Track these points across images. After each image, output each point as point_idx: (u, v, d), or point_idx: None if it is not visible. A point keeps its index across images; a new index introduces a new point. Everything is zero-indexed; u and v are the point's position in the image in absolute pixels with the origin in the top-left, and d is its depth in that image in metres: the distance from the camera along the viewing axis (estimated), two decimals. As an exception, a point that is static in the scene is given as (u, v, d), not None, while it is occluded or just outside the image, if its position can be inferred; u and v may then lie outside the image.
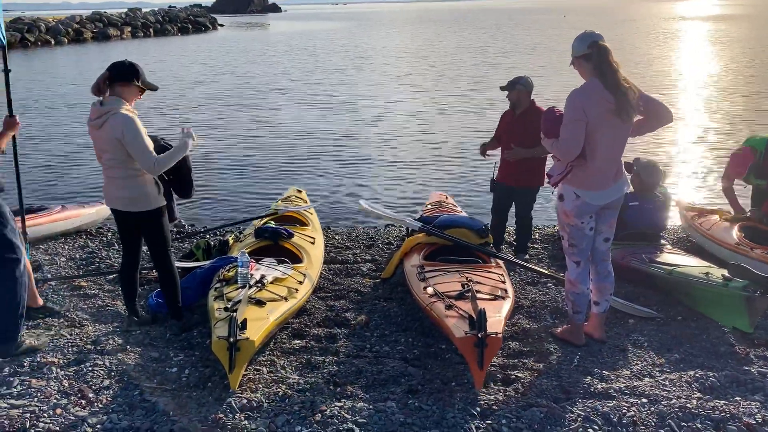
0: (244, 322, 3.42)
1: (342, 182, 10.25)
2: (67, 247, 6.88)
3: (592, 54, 3.83)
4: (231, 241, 5.91)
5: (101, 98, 4.08)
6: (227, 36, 56.16)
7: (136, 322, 4.53)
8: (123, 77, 4.09)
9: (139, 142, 4.03)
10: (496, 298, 4.02)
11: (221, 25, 71.83)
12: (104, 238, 7.28)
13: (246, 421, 3.09)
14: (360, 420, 3.09)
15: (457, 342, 3.35)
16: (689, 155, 11.60)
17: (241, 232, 6.99)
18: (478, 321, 3.20)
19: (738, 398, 3.36)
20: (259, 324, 3.54)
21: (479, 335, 3.17)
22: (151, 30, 54.69)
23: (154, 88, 4.32)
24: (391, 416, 3.12)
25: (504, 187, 6.21)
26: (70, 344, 4.08)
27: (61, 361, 3.76)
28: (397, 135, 13.80)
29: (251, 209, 8.69)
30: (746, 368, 3.82)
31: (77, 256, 6.54)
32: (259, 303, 3.84)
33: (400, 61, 31.22)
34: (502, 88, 6.00)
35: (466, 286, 4.07)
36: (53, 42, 44.68)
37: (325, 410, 3.17)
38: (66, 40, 46.00)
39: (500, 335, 3.29)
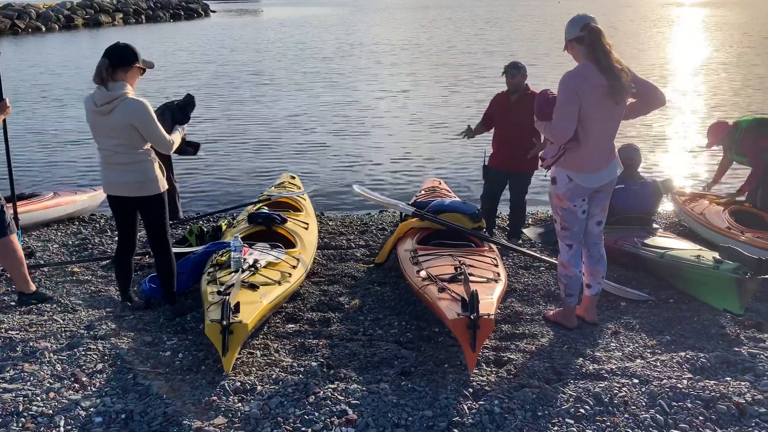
0: (237, 305, 3.42)
1: (336, 168, 10.24)
2: (59, 233, 6.86)
3: (584, 36, 3.81)
4: (224, 227, 5.90)
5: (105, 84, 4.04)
6: (220, 22, 55.67)
7: (130, 307, 4.53)
8: (125, 62, 4.05)
9: (155, 125, 4.07)
10: (488, 281, 4.03)
11: (213, 12, 71.14)
12: (97, 225, 7.27)
13: (239, 404, 3.10)
14: (353, 401, 3.11)
15: (449, 324, 3.36)
16: (682, 140, 11.62)
17: (234, 217, 6.97)
18: (470, 303, 3.21)
19: (728, 378, 3.39)
20: (252, 307, 3.54)
21: (471, 317, 3.18)
22: (142, 16, 54.10)
23: (151, 66, 4.31)
24: (384, 398, 3.14)
25: (498, 172, 6.21)
26: (63, 329, 4.08)
27: (54, 346, 3.76)
28: (391, 121, 13.77)
29: (244, 195, 8.66)
30: (736, 349, 3.85)
31: (70, 242, 6.53)
32: (252, 287, 3.84)
33: (394, 47, 31.05)
34: (507, 72, 5.96)
35: (458, 269, 4.08)
36: (44, 29, 44.20)
37: (319, 392, 3.18)
38: (57, 27, 45.50)
39: (492, 317, 3.30)
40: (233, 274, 4.01)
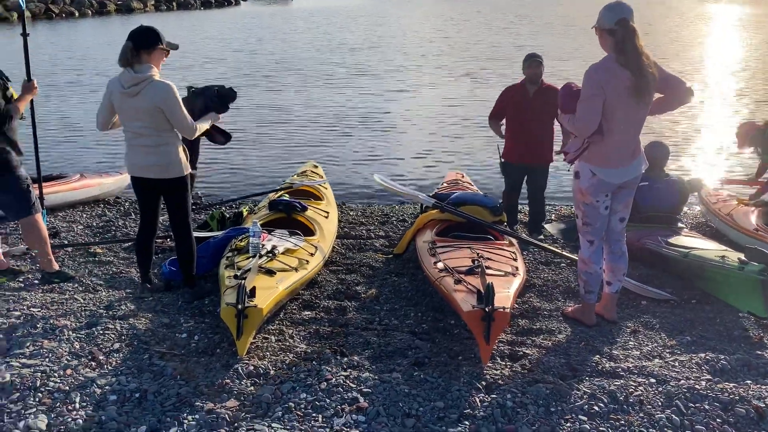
0: (253, 290, 3.43)
1: (359, 159, 10.22)
2: (84, 215, 6.97)
3: (617, 31, 3.72)
4: (245, 213, 5.93)
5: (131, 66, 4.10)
6: (250, 11, 55.93)
7: (150, 289, 4.58)
8: (148, 44, 4.11)
9: (180, 109, 4.11)
10: (506, 274, 3.99)
11: (245, 0, 71.69)
12: (122, 208, 7.36)
13: (252, 387, 3.12)
14: (365, 389, 3.11)
15: (464, 316, 3.34)
16: (711, 139, 11.38)
17: (256, 204, 7.01)
18: (486, 295, 3.18)
19: (749, 382, 3.32)
20: (267, 293, 3.55)
21: (486, 309, 3.15)
22: (174, 3, 54.58)
23: (175, 47, 4.34)
24: (396, 387, 3.13)
25: (516, 166, 6.16)
26: (83, 308, 4.14)
27: (73, 324, 3.81)
28: (416, 113, 13.70)
29: (266, 183, 8.69)
30: (759, 353, 3.77)
31: (94, 224, 6.62)
32: (269, 272, 3.85)
33: (422, 39, 30.88)
34: (530, 62, 5.91)
35: (476, 261, 4.05)
36: (77, 14, 44.82)
37: (331, 379, 3.19)
38: (90, 12, 46.14)
39: (508, 310, 3.27)
40: (251, 259, 4.02)
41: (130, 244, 5.75)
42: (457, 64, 21.45)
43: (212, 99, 4.76)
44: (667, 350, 3.81)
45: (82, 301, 4.31)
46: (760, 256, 4.21)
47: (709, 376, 3.38)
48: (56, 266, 4.85)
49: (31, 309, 4.09)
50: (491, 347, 3.27)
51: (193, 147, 5.05)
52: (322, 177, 7.28)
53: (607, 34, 3.81)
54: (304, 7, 64.47)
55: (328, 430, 2.84)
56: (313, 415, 2.93)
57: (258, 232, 4.22)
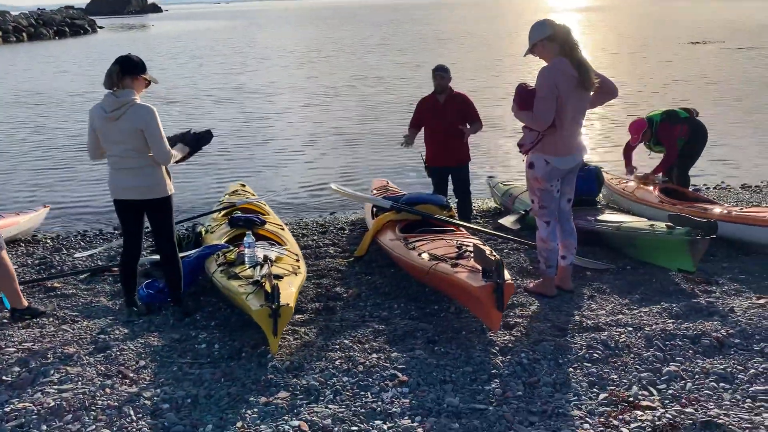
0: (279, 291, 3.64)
1: (277, 176, 10.39)
2: (11, 254, 6.67)
3: (557, 35, 4.34)
4: (204, 233, 6.01)
5: (113, 90, 4.19)
6: (109, 38, 53.65)
7: (135, 312, 4.60)
8: (134, 71, 4.25)
9: (159, 132, 4.23)
10: (487, 256, 4.45)
11: (101, 28, 68.59)
12: (47, 244, 7.12)
13: (295, 379, 3.35)
14: (399, 366, 3.43)
15: (475, 291, 3.71)
16: (606, 130, 12.61)
17: (200, 225, 7.00)
18: (496, 270, 3.61)
19: (701, 320, 3.99)
20: (287, 293, 3.77)
21: (498, 281, 3.58)
22: (24, 34, 51.32)
23: (155, 81, 4.49)
24: (425, 361, 3.49)
25: (438, 169, 6.68)
26: (77, 337, 4.12)
27: (83, 351, 3.82)
28: (315, 129, 14.07)
29: (195, 207, 8.64)
30: (695, 300, 4.46)
31: (29, 262, 6.39)
32: (277, 277, 4.06)
33: (303, 57, 31.26)
34: (436, 73, 6.43)
35: (461, 248, 4.47)
36: None
37: (365, 362, 3.49)
38: (-73, 47, 42.40)
39: (512, 281, 3.72)
40: (257, 267, 4.19)
41: (86, 275, 5.66)
42: (341, 81, 22.01)
43: (188, 139, 4.84)
44: (626, 307, 4.44)
45: (71, 330, 4.27)
46: (684, 221, 4.98)
47: (671, 320, 4.02)
48: (26, 303, 4.73)
49: (24, 344, 4.02)
50: (502, 313, 3.70)
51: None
52: (253, 195, 7.43)
53: (548, 42, 4.41)
54: (164, 32, 62.74)
55: (380, 403, 3.14)
56: (362, 393, 3.22)
57: (252, 243, 4.41)
